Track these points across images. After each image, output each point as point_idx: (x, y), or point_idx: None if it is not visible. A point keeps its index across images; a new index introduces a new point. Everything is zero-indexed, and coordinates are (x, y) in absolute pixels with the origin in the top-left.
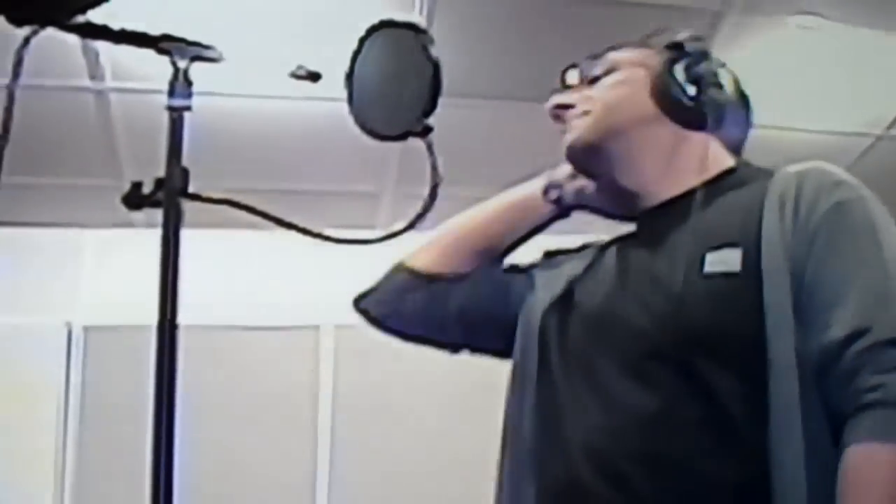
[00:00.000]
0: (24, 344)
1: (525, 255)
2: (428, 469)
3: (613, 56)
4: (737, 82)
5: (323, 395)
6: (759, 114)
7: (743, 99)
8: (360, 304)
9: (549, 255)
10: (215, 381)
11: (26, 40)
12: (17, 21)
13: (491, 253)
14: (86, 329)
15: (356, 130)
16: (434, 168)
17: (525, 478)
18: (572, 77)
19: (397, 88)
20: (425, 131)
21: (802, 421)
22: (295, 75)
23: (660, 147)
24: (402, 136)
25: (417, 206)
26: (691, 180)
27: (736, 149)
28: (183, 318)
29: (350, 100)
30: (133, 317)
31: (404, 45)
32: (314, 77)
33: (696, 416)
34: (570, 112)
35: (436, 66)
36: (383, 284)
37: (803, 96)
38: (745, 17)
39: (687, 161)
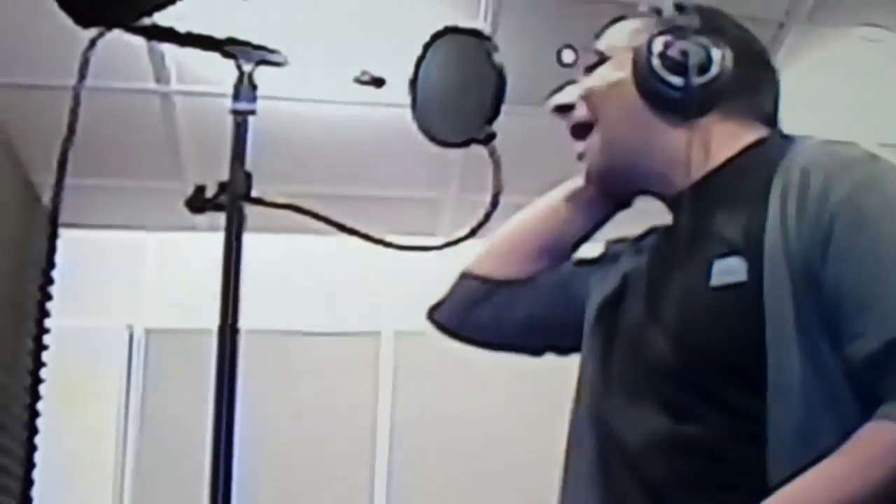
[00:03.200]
0: (86, 346)
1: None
2: (489, 478)
3: (608, 40)
4: (740, 45)
5: (382, 400)
6: (822, 125)
7: (751, 58)
8: (434, 315)
9: (613, 244)
10: (275, 386)
11: (92, 42)
12: (84, 23)
13: (555, 252)
14: (147, 332)
15: (419, 136)
16: (496, 175)
17: (590, 486)
18: (568, 56)
19: (461, 95)
20: (488, 138)
21: (803, 448)
22: (359, 80)
23: (668, 145)
24: (465, 143)
25: (479, 214)
26: (700, 170)
27: (763, 114)
28: (244, 322)
29: (413, 106)
30: (194, 320)
31: (468, 51)
32: (378, 82)
33: (716, 435)
34: (573, 116)
35: (500, 73)
36: (452, 294)
37: (867, 108)
38: (809, 28)
39: (694, 149)
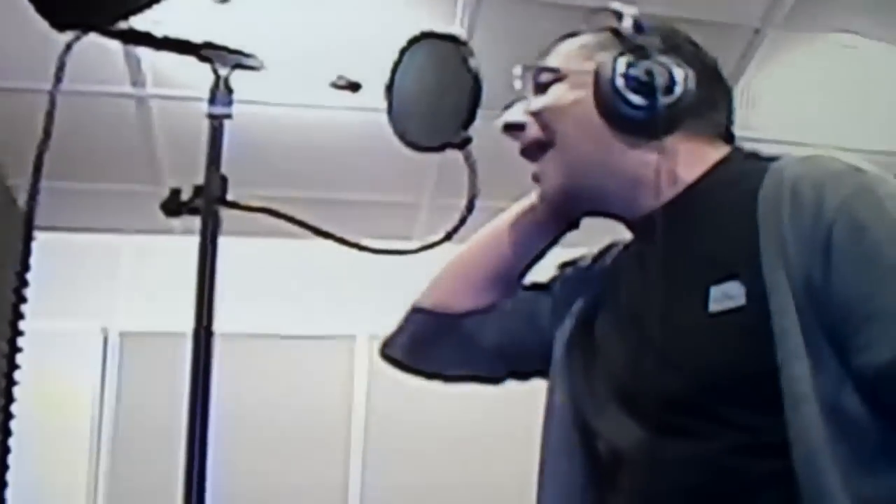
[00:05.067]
0: (60, 349)
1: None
2: (463, 482)
3: (560, 57)
4: (697, 63)
5: (357, 404)
6: (798, 131)
7: (708, 75)
8: (387, 351)
9: (566, 267)
10: (250, 389)
11: (69, 46)
12: (60, 26)
13: (506, 279)
14: (122, 335)
15: (395, 141)
16: (472, 180)
17: (581, 501)
18: (517, 82)
19: (437, 100)
20: (464, 143)
21: (831, 451)
22: (335, 85)
23: (630, 166)
24: (441, 148)
25: (455, 218)
26: (670, 190)
27: (723, 131)
28: (219, 325)
29: (389, 110)
30: (169, 323)
31: (445, 56)
32: (354, 87)
33: (717, 451)
34: (525, 136)
35: (476, 78)
36: (406, 329)
37: (843, 114)
38: (784, 35)
39: (661, 170)
